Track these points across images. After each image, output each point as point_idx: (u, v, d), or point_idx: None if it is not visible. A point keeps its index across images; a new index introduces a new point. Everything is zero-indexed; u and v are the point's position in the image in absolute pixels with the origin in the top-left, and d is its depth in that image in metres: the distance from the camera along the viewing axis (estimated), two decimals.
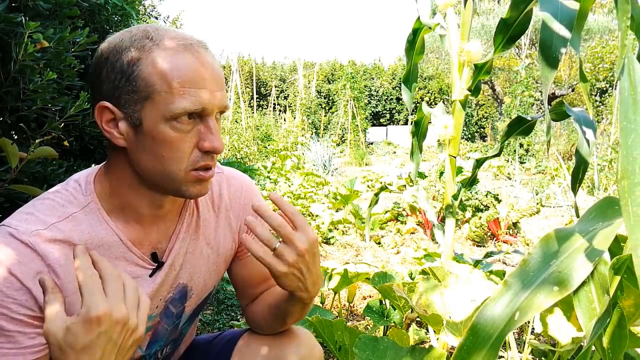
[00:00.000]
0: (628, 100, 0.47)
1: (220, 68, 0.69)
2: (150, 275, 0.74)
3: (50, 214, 0.66)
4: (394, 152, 12.98)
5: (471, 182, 1.50)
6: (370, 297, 2.24)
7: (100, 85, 0.65)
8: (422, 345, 1.53)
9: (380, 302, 1.69)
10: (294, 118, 10.65)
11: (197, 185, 0.68)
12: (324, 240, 3.30)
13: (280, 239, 0.69)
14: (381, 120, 21.21)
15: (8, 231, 0.62)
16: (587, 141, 1.04)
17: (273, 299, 0.85)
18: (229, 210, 0.86)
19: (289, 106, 18.20)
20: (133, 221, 0.72)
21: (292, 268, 0.69)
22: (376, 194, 1.78)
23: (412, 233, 3.48)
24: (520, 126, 1.35)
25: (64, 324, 0.54)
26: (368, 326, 1.90)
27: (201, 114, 0.65)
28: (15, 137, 1.08)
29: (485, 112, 19.70)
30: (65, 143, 1.14)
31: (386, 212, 3.90)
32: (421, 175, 4.65)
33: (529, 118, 1.33)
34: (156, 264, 0.75)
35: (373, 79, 21.87)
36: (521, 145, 9.31)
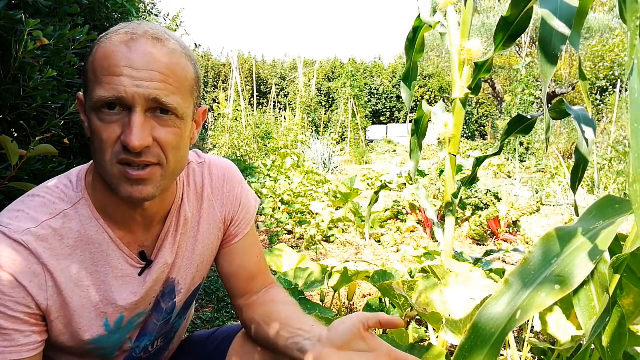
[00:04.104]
0: (638, 102, 0.46)
1: (174, 62, 0.63)
2: (140, 274, 0.74)
3: (41, 211, 0.65)
4: (394, 151, 12.98)
5: (471, 180, 1.50)
6: (370, 295, 2.24)
7: None
8: (422, 344, 1.53)
9: (380, 300, 1.69)
10: (294, 116, 10.62)
11: (127, 185, 0.63)
12: (324, 238, 3.30)
13: None
14: (381, 118, 21.21)
15: (0, 230, 0.62)
16: (587, 140, 1.04)
17: (271, 342, 0.78)
18: (212, 199, 0.84)
19: (289, 104, 18.20)
20: (119, 220, 0.71)
21: None
22: (376, 192, 1.78)
23: (412, 231, 3.48)
24: (521, 125, 1.35)
25: None
26: None
27: (124, 104, 0.60)
28: (15, 134, 1.08)
29: (486, 111, 19.69)
30: (65, 141, 1.14)
31: (386, 210, 3.90)
32: (421, 174, 4.65)
33: (529, 116, 1.33)
34: (145, 263, 0.74)
35: (373, 77, 21.85)
36: (521, 144, 9.31)
